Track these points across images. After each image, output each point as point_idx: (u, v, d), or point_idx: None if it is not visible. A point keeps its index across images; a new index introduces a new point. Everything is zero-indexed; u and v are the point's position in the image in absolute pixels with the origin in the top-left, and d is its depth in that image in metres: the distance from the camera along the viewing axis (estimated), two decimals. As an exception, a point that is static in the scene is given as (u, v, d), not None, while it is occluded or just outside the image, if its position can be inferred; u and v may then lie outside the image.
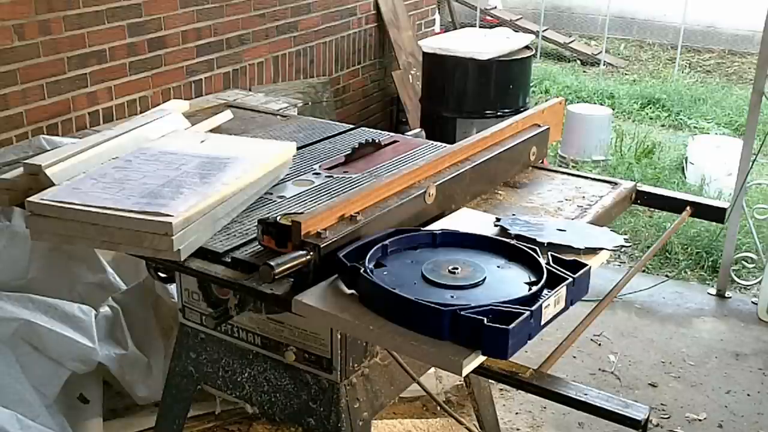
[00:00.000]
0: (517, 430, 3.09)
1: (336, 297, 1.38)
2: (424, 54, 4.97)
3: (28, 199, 1.60)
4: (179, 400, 1.98)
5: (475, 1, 8.70)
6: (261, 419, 2.74)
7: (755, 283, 4.20)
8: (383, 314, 1.30)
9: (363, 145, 2.09)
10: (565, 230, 1.62)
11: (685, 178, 5.60)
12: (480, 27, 7.91)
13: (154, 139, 1.96)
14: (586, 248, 1.54)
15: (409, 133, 2.30)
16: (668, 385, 3.41)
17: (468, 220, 1.69)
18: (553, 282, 1.35)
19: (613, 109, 6.70)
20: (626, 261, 4.46)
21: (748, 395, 3.36)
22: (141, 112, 3.51)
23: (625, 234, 4.39)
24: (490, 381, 2.40)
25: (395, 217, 1.61)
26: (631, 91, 7.71)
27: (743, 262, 4.32)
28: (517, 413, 3.17)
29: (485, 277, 1.37)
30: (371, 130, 2.36)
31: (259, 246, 1.55)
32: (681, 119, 7.17)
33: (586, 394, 1.27)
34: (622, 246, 1.59)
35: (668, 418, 3.20)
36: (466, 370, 1.22)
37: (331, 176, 1.95)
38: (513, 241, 1.50)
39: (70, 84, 3.50)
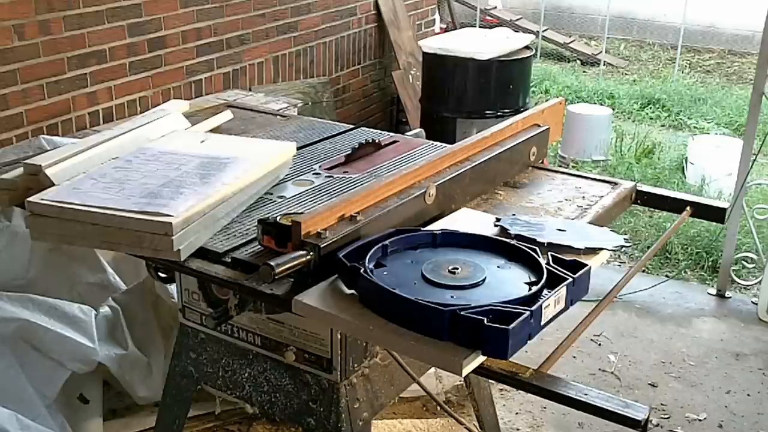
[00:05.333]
0: (517, 430, 3.09)
1: (336, 297, 1.38)
2: (424, 54, 4.97)
3: (28, 199, 1.60)
4: (179, 400, 1.98)
5: (475, 1, 8.70)
6: (261, 419, 2.74)
7: (755, 283, 4.20)
8: (383, 314, 1.30)
9: (363, 145, 2.09)
10: (565, 230, 1.61)
11: (685, 178, 5.60)
12: (480, 27, 7.91)
13: (154, 139, 1.96)
14: (586, 248, 1.54)
15: (409, 133, 2.30)
16: (668, 385, 3.41)
17: (468, 220, 1.69)
18: (553, 282, 1.35)
19: (613, 109, 6.70)
20: (626, 261, 4.46)
21: (748, 395, 3.36)
22: (141, 112, 3.51)
23: (625, 234, 4.39)
24: (490, 381, 2.40)
25: (395, 217, 1.60)
26: (631, 91, 7.71)
27: (743, 262, 4.33)
28: (517, 413, 3.17)
29: (485, 277, 1.37)
30: (371, 130, 2.36)
31: (259, 246, 1.55)
32: (681, 119, 7.17)
33: (586, 394, 1.27)
34: (622, 246, 1.59)
35: (668, 418, 3.20)
36: (466, 370, 1.22)
37: (331, 176, 1.95)
38: (513, 241, 1.50)
39: (70, 84, 3.50)
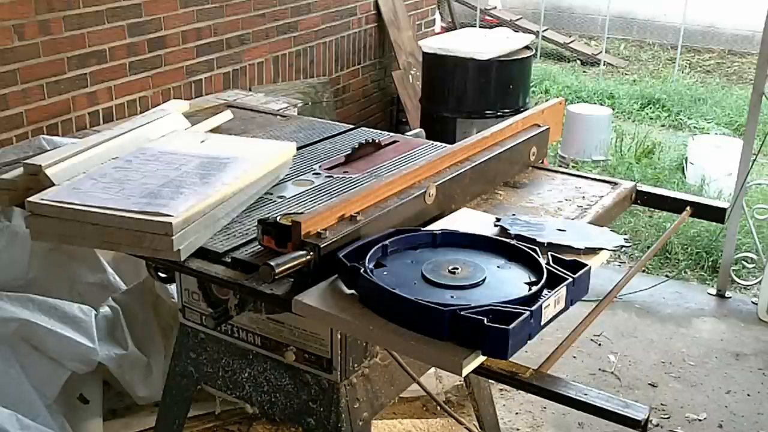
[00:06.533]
0: (517, 430, 3.09)
1: (336, 297, 1.38)
2: (424, 54, 4.97)
3: (28, 199, 1.60)
4: (179, 400, 1.98)
5: (475, 1, 8.70)
6: (261, 419, 2.74)
7: (755, 283, 4.20)
8: (383, 314, 1.30)
9: (363, 145, 2.09)
10: (565, 230, 1.61)
11: (685, 178, 5.60)
12: (480, 27, 7.91)
13: (154, 139, 1.96)
14: (586, 248, 1.54)
15: (409, 133, 2.30)
16: (668, 385, 3.41)
17: (468, 220, 1.69)
18: (553, 282, 1.35)
19: (613, 109, 6.70)
20: (626, 261, 4.46)
21: (748, 395, 3.36)
22: (141, 112, 3.51)
23: (625, 234, 4.39)
24: (490, 381, 2.40)
25: (395, 217, 1.60)
26: (631, 91, 7.71)
27: (743, 262, 4.32)
28: (517, 413, 3.17)
29: (485, 277, 1.37)
30: (371, 130, 2.36)
31: (259, 246, 1.55)
32: (681, 119, 7.17)
33: (586, 394, 1.27)
34: (622, 246, 1.59)
35: (668, 418, 3.20)
36: (466, 370, 1.22)
37: (331, 176, 1.95)
38: (513, 241, 1.50)
39: (70, 84, 3.50)
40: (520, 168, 2.06)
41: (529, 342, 1.24)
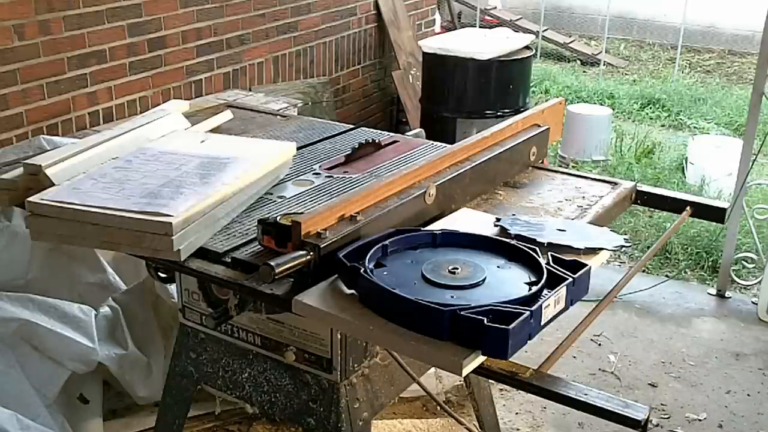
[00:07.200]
0: (517, 430, 3.09)
1: (336, 297, 1.38)
2: (424, 54, 4.97)
3: (28, 199, 1.60)
4: (179, 400, 1.98)
5: (475, 1, 8.70)
6: (261, 419, 2.74)
7: (755, 283, 4.20)
8: (383, 314, 1.30)
9: (363, 145, 2.09)
10: (565, 230, 1.61)
11: (685, 178, 5.60)
12: (480, 27, 7.91)
13: (154, 139, 1.96)
14: (586, 248, 1.54)
15: (409, 133, 2.30)
16: (668, 385, 3.41)
17: (468, 220, 1.69)
18: (553, 282, 1.35)
19: (613, 109, 6.70)
20: (626, 261, 4.46)
21: (748, 395, 3.36)
22: (141, 112, 3.51)
23: (625, 234, 4.39)
24: (490, 381, 2.40)
25: (395, 217, 1.60)
26: (631, 91, 7.71)
27: (743, 262, 4.32)
28: (517, 413, 3.17)
29: (485, 277, 1.37)
30: (371, 130, 2.36)
31: (259, 246, 1.55)
32: (681, 119, 7.17)
33: (586, 394, 1.27)
34: (622, 246, 1.59)
35: (668, 418, 3.20)
36: (466, 370, 1.22)
37: (331, 176, 1.95)
38: (513, 241, 1.50)
39: (70, 84, 3.50)
40: (520, 168, 2.06)
41: (529, 342, 1.24)
